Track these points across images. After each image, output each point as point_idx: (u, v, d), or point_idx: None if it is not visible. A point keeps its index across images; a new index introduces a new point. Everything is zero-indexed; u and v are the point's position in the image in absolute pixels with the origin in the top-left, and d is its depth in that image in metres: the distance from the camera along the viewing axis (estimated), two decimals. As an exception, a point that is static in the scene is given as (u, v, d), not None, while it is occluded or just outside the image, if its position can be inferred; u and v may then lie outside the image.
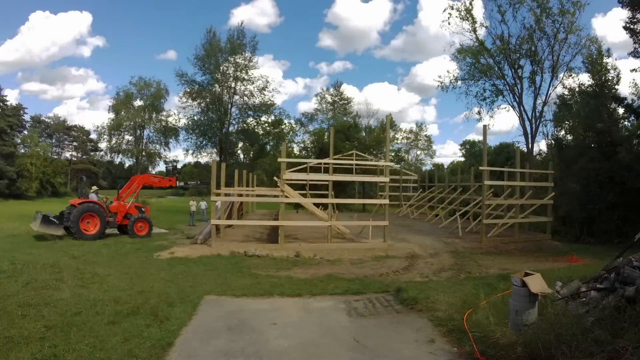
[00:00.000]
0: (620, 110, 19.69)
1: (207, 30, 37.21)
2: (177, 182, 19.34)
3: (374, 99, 78.24)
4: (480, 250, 13.94)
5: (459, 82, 28.08)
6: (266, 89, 38.07)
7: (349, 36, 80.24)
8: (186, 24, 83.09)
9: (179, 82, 37.13)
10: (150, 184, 18.13)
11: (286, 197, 14.42)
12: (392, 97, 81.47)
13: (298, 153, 37.62)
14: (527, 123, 26.07)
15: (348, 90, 72.41)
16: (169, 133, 41.13)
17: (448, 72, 28.72)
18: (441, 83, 28.61)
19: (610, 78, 20.00)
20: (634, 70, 17.92)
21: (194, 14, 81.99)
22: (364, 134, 39.20)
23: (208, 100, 36.91)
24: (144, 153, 41.98)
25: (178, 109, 49.41)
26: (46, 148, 48.84)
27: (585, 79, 22.14)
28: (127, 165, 56.09)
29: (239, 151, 40.69)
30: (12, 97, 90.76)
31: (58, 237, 14.21)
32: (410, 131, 50.73)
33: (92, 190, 16.00)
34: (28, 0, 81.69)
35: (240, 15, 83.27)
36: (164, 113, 41.32)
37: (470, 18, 26.21)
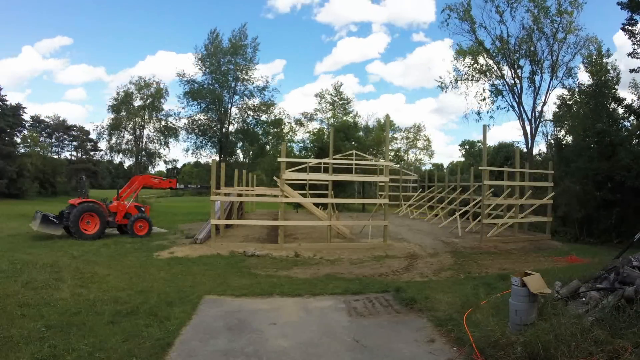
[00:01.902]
0: (620, 111, 19.71)
1: (210, 31, 37.44)
2: (178, 184, 19.16)
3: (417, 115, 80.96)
4: (479, 250, 13.93)
5: (459, 83, 28.15)
6: (266, 89, 38.17)
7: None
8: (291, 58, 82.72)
9: (179, 82, 37.31)
10: (150, 184, 18.08)
11: (286, 197, 14.42)
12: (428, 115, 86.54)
13: (298, 153, 37.62)
14: (526, 123, 26.11)
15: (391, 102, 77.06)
16: (168, 133, 41.13)
17: (448, 72, 28.80)
18: (441, 83, 28.68)
19: (609, 78, 20.05)
20: (633, 70, 17.93)
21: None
22: (363, 134, 39.21)
23: (208, 100, 36.96)
24: (143, 153, 41.96)
25: (178, 109, 49.53)
26: (46, 147, 48.79)
27: (585, 78, 22.21)
28: (127, 165, 56.05)
29: (238, 151, 40.72)
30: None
31: (57, 236, 14.22)
32: (409, 131, 50.81)
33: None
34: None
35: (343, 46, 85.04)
36: (164, 112, 41.32)
37: (469, 19, 26.20)
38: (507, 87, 26.66)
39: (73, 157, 55.52)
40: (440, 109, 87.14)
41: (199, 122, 38.03)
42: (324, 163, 18.60)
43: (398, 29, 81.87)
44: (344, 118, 39.37)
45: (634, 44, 17.24)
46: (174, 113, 40.55)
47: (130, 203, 16.22)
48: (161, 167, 54.78)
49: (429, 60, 59.30)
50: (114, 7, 77.13)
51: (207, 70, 36.78)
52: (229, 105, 37.94)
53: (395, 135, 47.33)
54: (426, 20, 74.71)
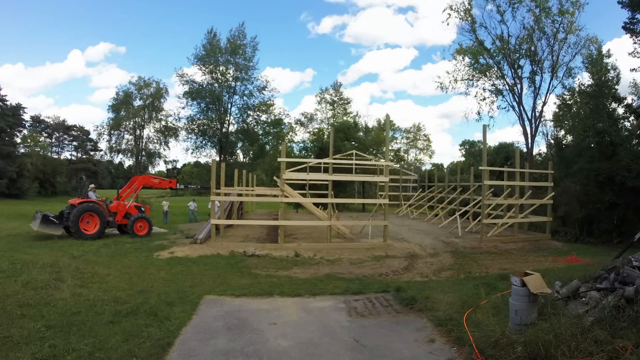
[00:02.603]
0: (620, 110, 19.71)
1: (207, 30, 37.29)
2: (178, 184, 19.12)
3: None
4: (479, 250, 13.94)
5: (459, 83, 28.10)
6: (266, 89, 38.15)
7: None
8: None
9: (179, 83, 37.23)
10: (150, 184, 18.08)
11: (286, 196, 14.42)
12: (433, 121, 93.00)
13: (298, 153, 37.60)
14: (526, 123, 26.08)
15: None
16: (168, 132, 41.12)
17: (447, 72, 28.72)
18: (440, 84, 28.64)
19: (610, 78, 20.03)
20: (633, 69, 17.94)
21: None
22: (363, 134, 39.20)
23: (208, 100, 36.92)
24: (143, 152, 41.95)
25: (177, 109, 49.65)
26: (46, 147, 48.80)
27: (585, 78, 22.20)
28: (127, 164, 56.11)
29: (238, 151, 40.69)
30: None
31: (57, 236, 14.22)
32: (409, 131, 50.83)
33: (89, 188, 15.99)
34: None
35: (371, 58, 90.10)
36: (164, 112, 41.29)
37: (469, 18, 26.19)
38: (507, 87, 26.64)
39: (73, 157, 55.56)
40: (451, 114, 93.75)
41: (199, 121, 38.01)
42: (324, 163, 18.61)
43: (419, 47, 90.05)
44: (344, 118, 39.36)
45: (634, 42, 17.26)
46: (174, 113, 40.59)
47: (130, 203, 16.22)
48: (161, 167, 54.83)
49: (443, 73, 63.79)
50: (170, 19, 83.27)
51: (207, 70, 36.73)
52: (229, 105, 37.95)
53: (395, 135, 47.37)
54: (444, 44, 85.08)
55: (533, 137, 25.82)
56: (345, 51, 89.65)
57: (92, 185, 16.64)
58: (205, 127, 37.90)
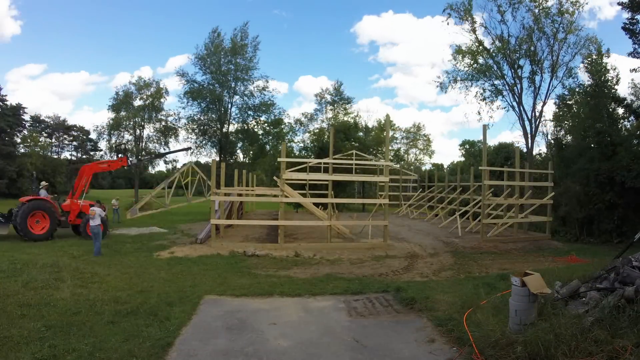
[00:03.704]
0: (620, 111, 19.72)
1: (212, 30, 37.31)
2: (129, 160, 17.73)
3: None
4: (479, 250, 13.94)
5: (459, 83, 28.06)
6: (266, 89, 38.14)
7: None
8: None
9: (179, 82, 37.21)
10: (100, 170, 17.06)
11: (286, 197, 14.42)
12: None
13: (298, 153, 37.56)
14: (526, 123, 26.05)
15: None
16: (168, 132, 41.10)
17: (447, 72, 28.69)
18: (440, 84, 28.62)
19: (609, 78, 20.05)
20: (633, 70, 17.94)
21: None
22: (363, 134, 39.21)
23: (208, 99, 36.93)
24: (143, 153, 41.90)
25: (178, 109, 49.56)
26: (46, 147, 48.79)
27: (585, 78, 22.20)
28: (126, 165, 56.00)
29: (238, 151, 40.66)
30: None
31: (3, 236, 13.52)
32: (409, 131, 50.87)
33: (41, 187, 15.20)
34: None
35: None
36: (164, 112, 41.26)
37: (469, 18, 26.18)
38: (507, 87, 26.59)
39: (73, 157, 55.54)
40: (461, 120, 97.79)
41: (199, 122, 37.99)
42: (324, 163, 18.61)
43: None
44: (344, 118, 39.35)
45: (634, 43, 17.28)
46: (174, 113, 40.62)
47: (82, 201, 15.13)
48: (161, 167, 54.85)
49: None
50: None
51: (208, 70, 36.72)
52: (229, 105, 37.93)
53: (395, 135, 47.42)
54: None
55: (533, 137, 25.78)
56: (380, 69, 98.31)
57: (44, 183, 15.80)
58: (205, 127, 37.91)
